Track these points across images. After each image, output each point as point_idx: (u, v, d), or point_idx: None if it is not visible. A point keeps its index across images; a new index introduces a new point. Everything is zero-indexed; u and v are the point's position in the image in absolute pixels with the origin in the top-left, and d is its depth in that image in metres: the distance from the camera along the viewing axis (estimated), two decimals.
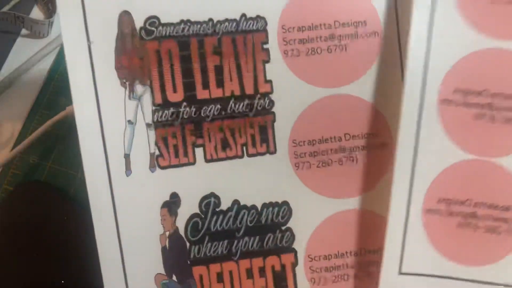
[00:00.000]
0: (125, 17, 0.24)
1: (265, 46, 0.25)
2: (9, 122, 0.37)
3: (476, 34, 0.25)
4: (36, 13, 0.39)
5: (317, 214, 0.27)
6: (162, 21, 0.25)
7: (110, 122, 0.25)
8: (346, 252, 0.28)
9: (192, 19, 0.25)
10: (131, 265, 0.26)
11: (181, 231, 0.27)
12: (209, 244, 0.27)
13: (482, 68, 0.25)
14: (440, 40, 0.25)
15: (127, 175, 0.26)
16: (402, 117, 0.25)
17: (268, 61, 0.26)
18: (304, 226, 0.27)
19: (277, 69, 0.25)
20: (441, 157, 0.26)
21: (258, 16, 0.25)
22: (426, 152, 0.25)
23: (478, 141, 0.26)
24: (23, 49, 0.38)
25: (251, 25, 0.25)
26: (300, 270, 0.27)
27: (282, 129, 0.26)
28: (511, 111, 0.26)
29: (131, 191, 0.26)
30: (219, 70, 0.25)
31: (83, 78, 0.24)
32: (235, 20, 0.25)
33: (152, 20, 0.25)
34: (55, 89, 0.37)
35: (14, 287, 0.32)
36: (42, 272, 0.32)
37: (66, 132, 0.37)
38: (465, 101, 0.26)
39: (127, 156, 0.25)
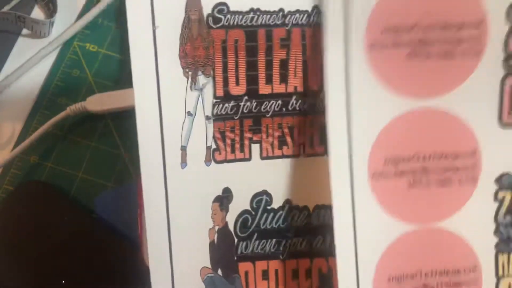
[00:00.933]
0: (193, 2, 0.23)
1: None
2: (10, 122, 0.37)
3: (395, 97, 0.25)
4: (37, 13, 0.38)
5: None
6: (231, 8, 0.24)
7: (169, 113, 0.24)
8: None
9: (262, 8, 0.24)
10: (178, 257, 0.26)
11: (231, 227, 0.27)
12: (257, 242, 0.27)
13: (408, 131, 0.25)
14: (360, 110, 0.24)
15: (182, 168, 0.26)
16: (334, 199, 0.24)
17: None
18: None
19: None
20: (383, 234, 0.25)
21: None
22: (365, 231, 0.25)
23: (416, 209, 0.26)
24: (24, 49, 0.38)
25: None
26: None
27: None
28: (445, 172, 0.25)
29: (184, 184, 0.25)
30: (284, 65, 0.25)
31: (146, 65, 0.23)
32: (306, 11, 0.25)
33: (221, 7, 0.24)
34: (55, 89, 0.37)
35: (14, 287, 0.32)
36: (42, 272, 0.32)
37: (67, 132, 0.37)
38: (396, 170, 0.25)
39: (183, 148, 0.25)
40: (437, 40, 0.24)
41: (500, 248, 0.26)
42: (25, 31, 0.37)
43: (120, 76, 0.39)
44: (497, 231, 0.26)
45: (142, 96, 0.24)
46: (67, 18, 0.38)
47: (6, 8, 0.36)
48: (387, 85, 0.24)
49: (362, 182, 0.24)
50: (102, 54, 0.37)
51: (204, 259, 0.27)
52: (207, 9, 0.24)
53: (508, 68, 0.25)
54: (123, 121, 0.39)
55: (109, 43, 0.37)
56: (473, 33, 0.24)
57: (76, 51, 0.37)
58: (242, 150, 0.25)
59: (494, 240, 0.26)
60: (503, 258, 0.26)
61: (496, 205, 0.26)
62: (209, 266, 0.27)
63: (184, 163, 0.25)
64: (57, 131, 0.35)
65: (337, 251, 0.24)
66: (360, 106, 0.24)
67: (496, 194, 0.26)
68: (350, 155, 0.24)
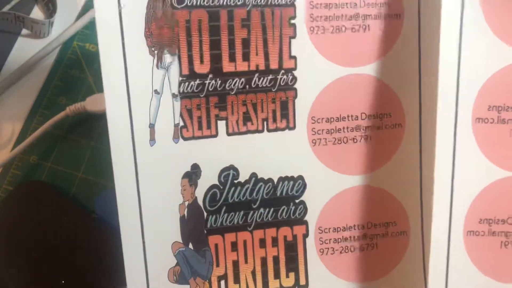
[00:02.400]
0: None
1: (292, 21, 0.26)
2: (9, 122, 0.37)
3: (507, 48, 0.25)
4: (37, 13, 0.39)
5: (329, 189, 0.28)
6: None
7: (137, 91, 0.24)
8: (354, 225, 0.28)
9: None
10: (149, 232, 0.26)
11: (200, 201, 0.27)
12: (226, 215, 0.28)
13: None
14: (470, 56, 0.25)
15: (151, 145, 0.26)
16: (438, 138, 0.25)
17: (294, 37, 0.26)
18: (316, 199, 0.28)
19: (302, 46, 0.26)
20: (479, 176, 0.26)
21: None
22: (463, 172, 0.25)
23: None
24: (24, 49, 0.38)
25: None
26: (311, 241, 0.28)
27: (303, 106, 0.27)
28: None
29: (154, 161, 0.26)
30: (246, 44, 0.26)
31: (113, 44, 0.23)
32: None
33: None
34: (55, 89, 0.37)
35: (14, 287, 0.32)
36: (42, 272, 0.32)
37: (66, 132, 0.37)
38: (500, 117, 0.26)
39: (152, 126, 0.26)
40: None
41: None
42: (24, 31, 0.37)
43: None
44: None
45: (109, 74, 0.24)
46: (67, 18, 0.38)
47: (5, 8, 0.36)
48: (499, 34, 0.25)
49: (466, 126, 0.26)
50: None
51: (175, 234, 0.27)
52: None
53: None
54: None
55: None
56: None
57: (76, 51, 0.37)
58: (209, 127, 0.26)
59: None
60: None
61: None
62: (180, 240, 0.27)
63: (152, 140, 0.26)
64: (56, 131, 0.35)
65: (436, 186, 0.25)
66: (471, 52, 0.25)
67: None
68: (457, 100, 0.25)
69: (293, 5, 0.25)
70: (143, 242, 0.26)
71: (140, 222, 0.26)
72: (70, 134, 0.36)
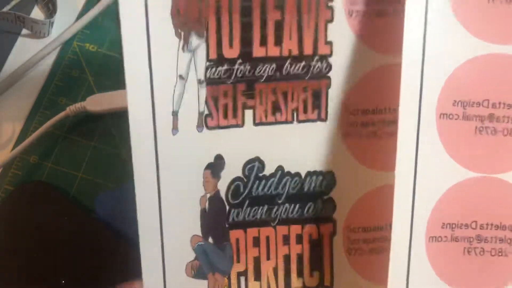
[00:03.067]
0: None
1: (329, 4, 0.24)
2: (10, 122, 0.37)
3: (474, 39, 0.24)
4: (37, 13, 0.39)
5: (361, 186, 0.26)
6: None
7: (160, 75, 0.23)
8: (385, 225, 0.27)
9: None
10: (168, 224, 0.25)
11: (222, 194, 0.26)
12: (249, 209, 0.26)
13: (481, 76, 0.24)
14: (435, 47, 0.23)
15: (173, 134, 0.24)
16: (400, 136, 0.23)
17: (331, 21, 0.24)
18: (346, 197, 0.26)
19: (339, 30, 0.24)
20: (443, 177, 0.24)
21: None
22: (426, 172, 0.24)
23: (480, 157, 0.25)
24: (24, 49, 0.38)
25: None
26: (338, 240, 0.27)
27: (336, 96, 0.25)
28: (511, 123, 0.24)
29: (176, 151, 0.24)
30: (279, 26, 0.24)
31: (136, 22, 0.22)
32: None
33: None
34: (55, 89, 0.38)
35: (14, 287, 0.32)
36: (42, 272, 0.32)
37: (67, 132, 0.37)
38: (465, 113, 0.24)
39: (175, 114, 0.24)
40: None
41: None
42: (24, 31, 0.37)
43: (120, 76, 0.39)
44: None
45: (131, 57, 0.22)
46: (67, 18, 0.38)
47: (5, 8, 0.36)
48: (466, 24, 0.24)
49: (430, 123, 0.24)
50: (102, 54, 0.37)
51: (195, 227, 0.26)
52: None
53: None
54: (123, 121, 0.39)
55: (109, 43, 0.37)
56: None
57: (76, 51, 0.37)
58: (235, 116, 0.25)
59: None
60: None
61: None
62: (200, 234, 0.26)
63: (175, 129, 0.24)
64: (57, 131, 0.35)
65: (396, 186, 0.23)
66: (436, 43, 0.23)
67: None
68: (420, 93, 0.24)
69: None
70: (161, 235, 0.25)
71: (159, 214, 0.24)
72: (71, 134, 0.36)
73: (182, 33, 0.23)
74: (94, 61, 0.37)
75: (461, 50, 0.23)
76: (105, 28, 0.38)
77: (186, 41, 0.23)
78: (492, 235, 0.25)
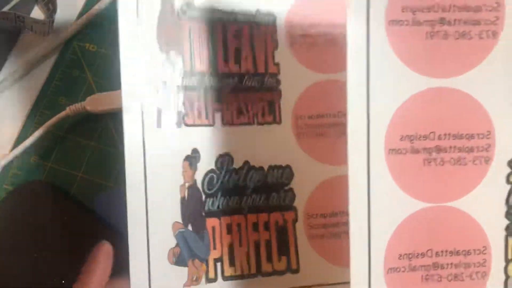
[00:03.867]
0: (167, 1, 0.30)
1: (274, 37, 0.33)
2: (10, 122, 0.38)
3: (415, 75, 0.26)
4: (37, 13, 0.39)
5: (315, 177, 0.32)
6: (196, 5, 0.31)
7: (149, 81, 0.29)
8: (340, 212, 0.33)
9: (219, 8, 0.31)
10: (153, 211, 0.29)
11: (199, 184, 0.31)
12: (222, 198, 0.31)
13: (426, 110, 0.27)
14: (379, 86, 0.26)
15: (157, 127, 0.29)
16: (351, 173, 0.26)
17: (276, 48, 0.33)
18: (303, 187, 0.32)
19: (283, 55, 0.32)
20: (396, 210, 0.27)
21: (269, 13, 0.32)
22: (379, 207, 0.26)
23: (431, 187, 0.27)
24: (24, 49, 0.39)
25: (264, 19, 0.32)
26: (300, 226, 0.32)
27: (287, 104, 0.32)
28: (460, 152, 0.27)
29: (159, 143, 0.29)
30: (238, 51, 0.32)
31: (132, 43, 0.28)
32: (252, 14, 0.32)
33: (188, 2, 0.31)
34: (55, 89, 0.38)
35: (14, 287, 0.32)
36: (42, 272, 0.32)
37: (67, 132, 0.37)
38: (413, 147, 0.27)
39: (159, 112, 0.30)
40: (454, 21, 0.26)
41: (510, 231, 0.28)
42: (25, 31, 0.37)
43: (120, 76, 0.39)
44: (508, 214, 0.28)
45: (127, 68, 0.28)
46: (67, 18, 0.39)
47: (5, 8, 0.37)
48: (407, 62, 0.26)
49: (379, 158, 0.26)
50: (101, 54, 0.37)
51: (176, 214, 0.30)
52: (178, 4, 0.31)
53: None
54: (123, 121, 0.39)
55: (109, 43, 0.38)
56: (490, 15, 0.27)
57: (76, 51, 0.38)
58: (207, 117, 0.31)
59: (505, 222, 0.28)
60: None
61: (508, 187, 0.28)
62: (181, 221, 0.30)
63: (159, 125, 0.29)
64: (57, 131, 0.36)
65: (351, 225, 0.26)
66: (379, 82, 0.26)
67: (508, 176, 0.28)
68: (368, 131, 0.26)
69: (274, 24, 0.32)
70: (147, 221, 0.29)
71: (145, 201, 0.29)
72: (71, 134, 0.37)
73: (165, 50, 0.30)
74: (94, 61, 0.38)
75: (403, 86, 0.27)
76: (105, 28, 0.38)
77: (168, 56, 0.30)
78: (448, 261, 0.27)
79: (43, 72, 0.39)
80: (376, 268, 0.26)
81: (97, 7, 0.40)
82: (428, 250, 0.27)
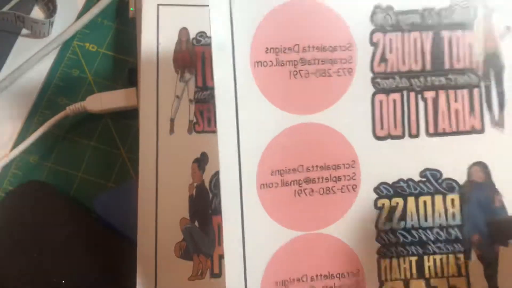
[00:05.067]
0: (183, 31, 0.36)
1: None
2: (9, 122, 0.38)
3: (282, 113, 0.29)
4: (37, 13, 0.40)
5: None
6: (208, 35, 0.36)
7: (164, 95, 0.34)
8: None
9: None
10: (162, 206, 0.32)
11: (207, 184, 0.34)
12: None
13: (293, 144, 0.29)
14: (248, 125, 0.28)
15: (170, 134, 0.33)
16: (223, 204, 0.27)
17: None
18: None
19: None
20: (270, 240, 0.28)
21: None
22: (254, 239, 0.28)
23: (302, 217, 0.29)
24: (24, 49, 0.40)
25: None
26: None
27: None
28: (327, 182, 0.29)
29: (172, 148, 0.33)
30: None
31: (150, 65, 0.34)
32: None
33: (201, 33, 0.36)
34: (55, 89, 0.39)
35: (14, 287, 0.32)
36: (42, 272, 0.33)
37: (66, 132, 0.37)
38: (283, 180, 0.28)
39: (172, 121, 0.34)
40: (314, 60, 0.29)
41: (382, 253, 0.30)
42: (24, 31, 0.38)
43: (120, 76, 0.39)
44: (378, 237, 0.30)
45: (145, 84, 0.34)
46: (67, 18, 0.39)
47: (5, 8, 0.37)
48: (272, 100, 0.29)
49: (251, 192, 0.28)
50: (101, 54, 0.38)
51: (184, 211, 0.33)
52: (192, 34, 0.36)
53: (376, 86, 0.30)
54: (123, 121, 0.40)
55: (109, 43, 0.38)
56: (345, 54, 0.30)
57: (76, 51, 0.38)
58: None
59: (376, 246, 0.30)
60: (385, 263, 0.30)
61: (376, 212, 0.30)
62: (188, 217, 0.33)
63: (172, 131, 0.34)
64: (56, 131, 0.36)
65: (226, 256, 0.27)
66: (248, 120, 0.28)
67: (375, 202, 0.30)
68: (240, 167, 0.28)
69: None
70: (156, 215, 0.31)
71: (156, 198, 0.32)
72: (70, 134, 0.37)
73: (179, 70, 0.35)
74: (93, 61, 0.37)
75: (271, 123, 0.29)
76: (104, 28, 0.39)
77: (182, 75, 0.35)
78: (324, 285, 0.28)
79: (42, 72, 0.40)
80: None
81: (97, 7, 0.41)
82: (303, 275, 0.28)
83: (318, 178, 0.29)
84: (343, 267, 0.29)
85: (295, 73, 0.28)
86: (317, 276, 0.28)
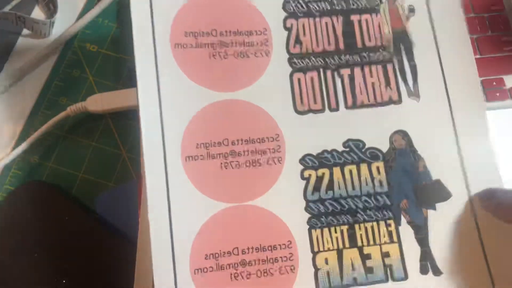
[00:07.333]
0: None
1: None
2: (10, 122, 0.38)
3: (203, 89, 0.30)
4: (37, 13, 0.40)
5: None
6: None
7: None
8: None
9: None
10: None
11: None
12: None
13: (216, 120, 0.30)
14: (170, 102, 0.29)
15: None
16: (148, 182, 0.28)
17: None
18: None
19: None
20: (198, 213, 0.29)
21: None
22: (181, 211, 0.28)
23: (230, 189, 0.29)
24: (25, 49, 0.39)
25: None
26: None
27: None
28: (253, 155, 0.30)
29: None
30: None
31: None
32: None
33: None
34: (56, 89, 0.38)
35: (15, 287, 0.32)
36: (43, 272, 0.32)
37: (67, 132, 0.37)
38: (209, 153, 0.29)
39: None
40: (232, 42, 0.31)
41: (313, 223, 0.30)
42: (25, 31, 0.38)
43: (120, 76, 0.39)
44: (307, 208, 0.31)
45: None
46: (68, 18, 0.39)
47: (6, 8, 0.37)
48: (194, 79, 0.30)
49: (176, 165, 0.29)
50: (102, 54, 0.38)
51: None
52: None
53: (293, 65, 0.32)
54: (123, 121, 0.40)
55: (109, 43, 0.38)
56: (260, 38, 0.32)
57: (77, 51, 0.38)
58: None
59: (306, 216, 0.30)
60: (316, 233, 0.30)
61: (303, 183, 0.31)
62: None
63: None
64: (57, 131, 0.36)
65: (152, 231, 0.28)
66: (170, 96, 0.29)
67: (302, 173, 0.31)
68: (163, 142, 0.29)
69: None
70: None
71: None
72: (71, 134, 0.37)
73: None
74: (94, 61, 0.37)
75: (194, 100, 0.30)
76: (105, 28, 0.38)
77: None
78: (255, 258, 0.29)
79: (43, 72, 0.41)
80: (182, 269, 0.28)
81: (98, 7, 0.41)
82: (234, 248, 0.29)
83: (244, 151, 0.30)
84: (274, 239, 0.29)
85: (214, 54, 0.30)
86: (248, 249, 0.29)
